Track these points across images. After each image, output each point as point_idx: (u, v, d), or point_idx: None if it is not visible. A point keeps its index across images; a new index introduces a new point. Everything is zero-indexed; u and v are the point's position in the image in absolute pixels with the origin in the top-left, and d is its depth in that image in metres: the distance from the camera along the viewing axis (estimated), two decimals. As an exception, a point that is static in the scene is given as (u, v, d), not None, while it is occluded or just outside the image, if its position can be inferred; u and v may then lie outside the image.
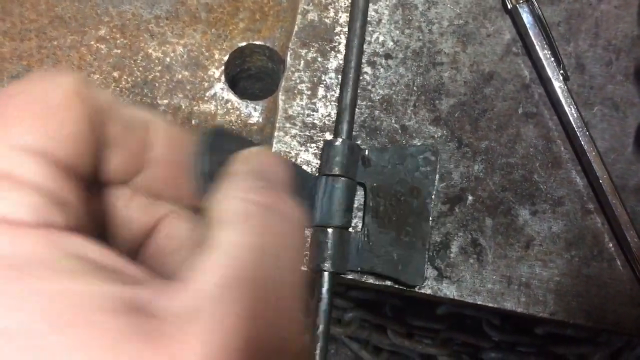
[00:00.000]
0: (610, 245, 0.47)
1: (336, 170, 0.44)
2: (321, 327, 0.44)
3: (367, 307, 0.72)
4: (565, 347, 0.70)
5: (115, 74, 0.49)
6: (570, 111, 0.48)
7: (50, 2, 0.50)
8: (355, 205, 0.46)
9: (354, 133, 0.47)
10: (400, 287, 0.46)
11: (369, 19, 0.49)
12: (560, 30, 0.50)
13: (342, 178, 0.44)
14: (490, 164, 0.48)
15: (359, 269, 0.46)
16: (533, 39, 0.48)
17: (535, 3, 0.49)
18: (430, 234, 0.47)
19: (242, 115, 0.50)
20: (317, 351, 0.44)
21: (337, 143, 0.44)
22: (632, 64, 0.49)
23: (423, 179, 0.47)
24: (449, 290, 0.47)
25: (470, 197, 0.48)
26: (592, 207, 0.48)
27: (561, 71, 0.48)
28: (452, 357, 0.73)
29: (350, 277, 0.46)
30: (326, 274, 0.44)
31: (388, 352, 0.79)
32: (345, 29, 0.49)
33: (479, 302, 0.47)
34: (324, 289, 0.44)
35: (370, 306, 0.72)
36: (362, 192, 0.47)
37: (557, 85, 0.48)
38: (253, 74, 0.55)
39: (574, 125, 0.48)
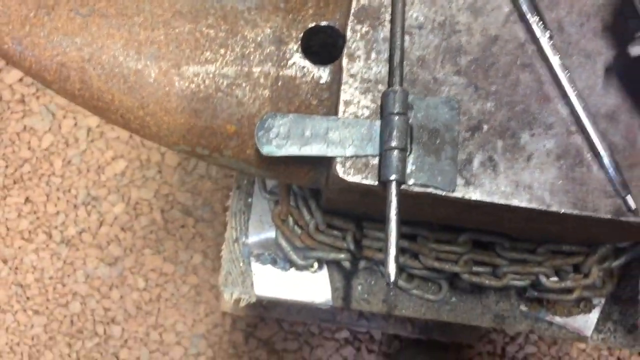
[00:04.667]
0: (588, 156, 0.65)
1: (397, 109, 0.62)
2: (393, 222, 0.61)
3: (403, 237, 0.89)
4: (562, 259, 0.87)
5: (222, 51, 0.67)
6: (555, 60, 0.66)
7: (170, 2, 0.68)
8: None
9: (399, 84, 0.65)
10: (439, 193, 0.64)
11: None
12: (545, 1, 0.68)
13: (402, 115, 0.62)
14: (499, 102, 0.66)
15: (412, 181, 0.63)
16: (525, 9, 0.66)
17: (525, -16, 0.67)
18: (457, 154, 0.65)
19: (315, 76, 0.68)
20: (392, 249, 0.61)
21: (397, 91, 0.62)
22: (599, 24, 0.68)
23: (451, 119, 0.65)
24: (473, 193, 0.65)
25: (485, 126, 0.66)
26: (574, 129, 0.66)
27: (547, 32, 0.66)
28: (472, 274, 0.90)
29: (404, 187, 0.64)
30: (394, 183, 0.61)
31: (419, 279, 0.96)
32: (389, 9, 0.67)
33: (495, 201, 0.65)
34: (393, 194, 0.61)
35: (405, 237, 0.90)
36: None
37: (545, 42, 0.66)
38: (319, 46, 0.73)
39: (558, 71, 0.66)
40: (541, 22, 0.66)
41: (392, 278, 0.60)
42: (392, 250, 0.61)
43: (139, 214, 2.02)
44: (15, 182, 2.03)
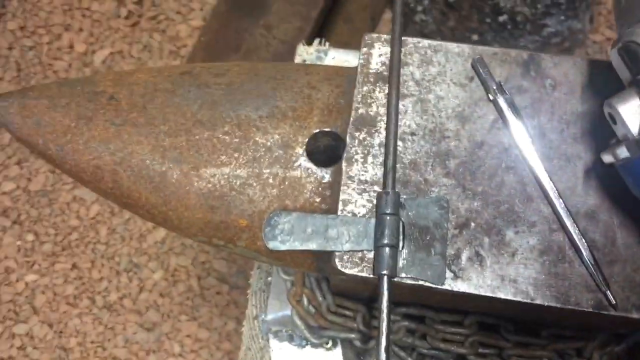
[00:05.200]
0: (570, 252, 0.70)
1: (389, 209, 0.68)
2: (384, 313, 0.66)
3: (411, 318, 0.94)
4: (564, 344, 0.90)
5: (236, 155, 0.76)
6: (537, 164, 0.72)
7: (192, 112, 0.77)
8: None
9: (393, 185, 0.72)
10: (429, 285, 0.70)
11: (399, 110, 0.75)
12: (527, 110, 0.74)
13: (394, 215, 0.68)
14: (485, 201, 0.72)
15: (403, 275, 0.69)
16: (508, 118, 0.73)
17: (509, 94, 0.74)
18: (446, 250, 0.71)
19: (318, 177, 0.76)
20: (383, 338, 0.66)
21: (389, 194, 0.69)
22: (578, 131, 0.74)
23: (440, 217, 0.72)
24: (461, 286, 0.70)
25: (472, 224, 0.72)
26: (555, 227, 0.71)
27: (529, 138, 0.73)
28: (478, 356, 0.94)
29: (397, 279, 0.70)
30: (385, 277, 0.67)
31: (430, 358, 1.00)
32: (384, 118, 0.75)
33: (481, 294, 0.70)
34: (385, 288, 0.67)
35: (413, 318, 0.94)
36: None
37: (527, 147, 0.73)
38: (322, 150, 0.81)
39: (540, 173, 0.72)
40: (524, 129, 0.73)
41: (383, 367, 0.66)
42: (383, 341, 0.66)
43: (177, 280, 2.11)
44: (63, 249, 2.16)
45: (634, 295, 0.69)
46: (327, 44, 1.17)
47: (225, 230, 0.77)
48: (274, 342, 1.04)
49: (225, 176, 0.76)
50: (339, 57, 1.16)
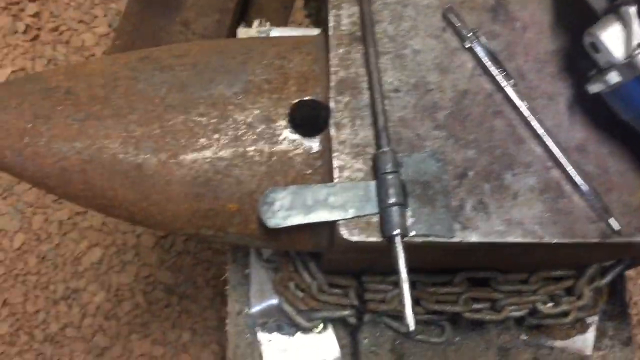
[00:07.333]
0: (568, 187, 0.71)
1: (389, 168, 0.66)
2: (404, 274, 0.64)
3: (402, 286, 0.93)
4: (555, 285, 0.92)
5: (216, 136, 0.71)
6: (522, 105, 0.72)
7: (161, 97, 0.71)
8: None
9: (386, 145, 0.70)
10: (439, 240, 0.68)
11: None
12: (504, 54, 0.74)
13: (395, 173, 0.66)
14: (479, 148, 0.71)
15: (413, 233, 0.67)
16: (486, 63, 0.73)
17: (484, 40, 0.73)
18: (450, 202, 0.69)
19: (306, 147, 0.72)
20: (407, 301, 0.64)
21: (386, 152, 0.67)
22: (555, 68, 0.74)
23: (438, 170, 0.70)
24: (471, 237, 0.69)
25: (470, 173, 0.71)
26: (550, 164, 0.71)
27: (510, 80, 0.73)
28: (473, 312, 0.94)
29: (406, 239, 0.67)
30: (398, 237, 0.65)
31: (422, 323, 0.99)
32: (365, 78, 0.72)
33: (492, 241, 0.69)
34: (400, 248, 0.65)
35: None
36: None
37: (509, 90, 0.72)
38: (302, 120, 0.77)
39: (526, 114, 0.72)
40: (503, 72, 0.73)
41: (412, 326, 0.64)
42: (408, 300, 0.64)
43: (121, 300, 2.00)
44: (-10, 287, 1.99)
45: (635, 219, 0.70)
46: (268, 23, 1.13)
47: (214, 218, 0.72)
48: (262, 335, 1.00)
49: (208, 160, 0.71)
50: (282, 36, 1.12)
